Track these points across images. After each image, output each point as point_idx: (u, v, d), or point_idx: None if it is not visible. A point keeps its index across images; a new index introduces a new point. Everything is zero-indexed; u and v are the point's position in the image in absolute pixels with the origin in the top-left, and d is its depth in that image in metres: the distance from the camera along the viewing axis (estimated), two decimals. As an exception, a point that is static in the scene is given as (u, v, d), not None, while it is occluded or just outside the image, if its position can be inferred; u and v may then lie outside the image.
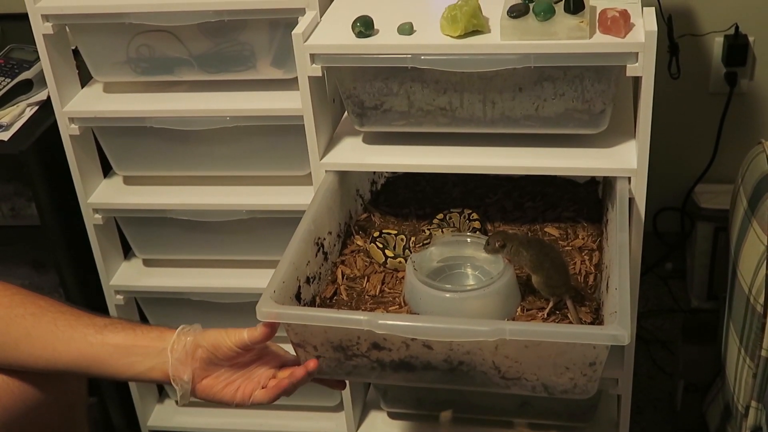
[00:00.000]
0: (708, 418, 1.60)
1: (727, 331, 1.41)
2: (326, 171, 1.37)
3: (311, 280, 1.27)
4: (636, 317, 1.32)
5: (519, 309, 1.23)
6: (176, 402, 1.13)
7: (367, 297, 1.30)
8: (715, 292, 1.99)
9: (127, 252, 1.76)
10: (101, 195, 1.63)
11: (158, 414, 1.86)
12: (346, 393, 1.57)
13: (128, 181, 1.66)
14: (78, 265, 1.67)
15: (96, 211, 1.62)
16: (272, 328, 1.09)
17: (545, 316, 1.22)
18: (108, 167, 1.65)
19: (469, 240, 1.32)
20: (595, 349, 1.05)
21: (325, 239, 1.33)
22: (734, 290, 1.37)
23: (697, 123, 1.97)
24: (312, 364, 1.13)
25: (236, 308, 1.65)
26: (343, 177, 1.40)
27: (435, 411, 1.61)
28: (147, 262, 1.74)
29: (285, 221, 1.52)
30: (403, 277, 1.31)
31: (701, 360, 1.66)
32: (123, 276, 1.71)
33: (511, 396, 1.51)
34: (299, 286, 1.22)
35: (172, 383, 1.08)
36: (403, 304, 1.27)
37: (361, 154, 1.38)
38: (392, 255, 1.35)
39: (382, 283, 1.32)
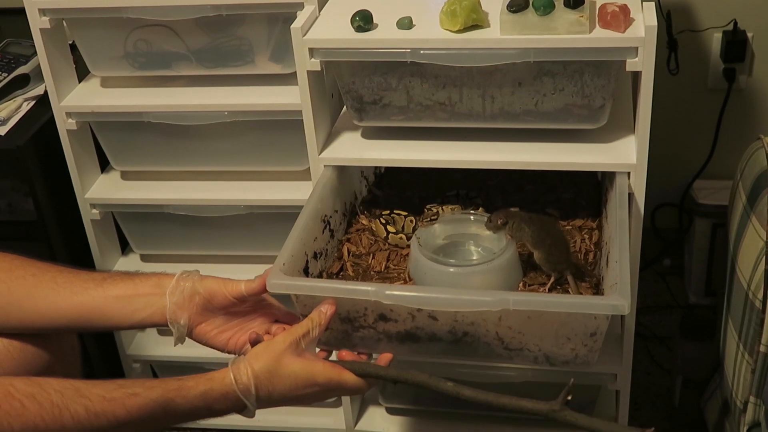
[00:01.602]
0: (706, 413, 1.60)
1: (726, 326, 1.41)
2: (325, 166, 1.37)
3: (318, 255, 1.30)
4: (636, 295, 1.34)
5: (521, 285, 1.27)
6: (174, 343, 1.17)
7: (372, 273, 1.33)
8: (713, 288, 1.99)
9: (125, 247, 1.75)
10: (98, 190, 1.63)
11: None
12: (345, 388, 1.56)
13: (126, 176, 1.65)
14: (75, 260, 1.66)
15: (93, 206, 1.61)
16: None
17: (546, 291, 1.24)
18: (105, 162, 1.64)
19: (472, 218, 1.34)
20: (596, 319, 1.08)
21: (331, 217, 1.36)
22: (733, 286, 1.37)
23: (695, 119, 1.97)
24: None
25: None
26: (344, 167, 1.40)
27: (433, 406, 1.61)
28: (144, 258, 1.73)
29: (283, 216, 1.51)
30: (407, 255, 1.34)
31: (699, 356, 1.66)
32: (120, 271, 1.71)
33: (508, 391, 1.51)
34: (307, 261, 1.25)
35: (169, 326, 1.12)
36: (407, 279, 1.30)
37: (359, 149, 1.38)
38: (394, 231, 1.38)
39: (387, 260, 1.35)
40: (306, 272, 1.25)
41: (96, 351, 1.73)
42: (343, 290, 1.13)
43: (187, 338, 1.16)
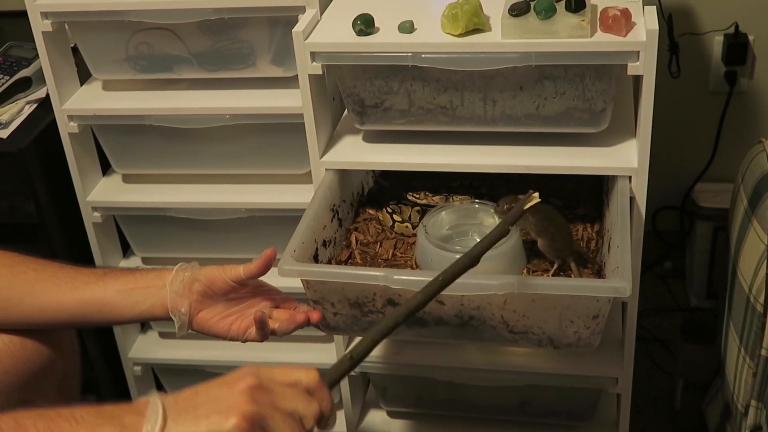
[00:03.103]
0: (707, 417, 1.60)
1: (727, 330, 1.41)
2: (326, 169, 1.37)
3: (327, 243, 1.32)
4: (638, 277, 1.35)
5: (525, 271, 1.29)
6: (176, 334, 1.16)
7: (380, 261, 1.35)
8: (714, 291, 1.99)
9: (126, 250, 1.76)
10: (100, 193, 1.63)
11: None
12: (346, 392, 1.56)
13: (127, 179, 1.65)
14: (77, 263, 1.65)
15: (95, 209, 1.61)
16: (267, 263, 1.13)
17: (550, 277, 1.26)
18: (107, 165, 1.65)
19: (477, 207, 1.37)
20: (598, 302, 1.10)
21: (339, 206, 1.38)
22: (734, 289, 1.37)
23: (696, 122, 1.97)
24: (315, 315, 1.17)
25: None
26: (345, 171, 1.41)
27: (434, 410, 1.61)
28: (146, 261, 1.73)
29: (284, 220, 1.51)
30: (413, 243, 1.36)
31: (700, 359, 1.66)
32: (122, 274, 1.71)
33: (510, 395, 1.52)
34: (317, 248, 1.27)
35: (171, 315, 1.12)
36: (414, 266, 1.32)
37: (361, 153, 1.38)
38: (399, 220, 1.40)
39: (394, 248, 1.37)
40: (315, 259, 1.27)
41: (97, 354, 1.74)
42: (353, 275, 1.16)
43: (189, 331, 1.15)
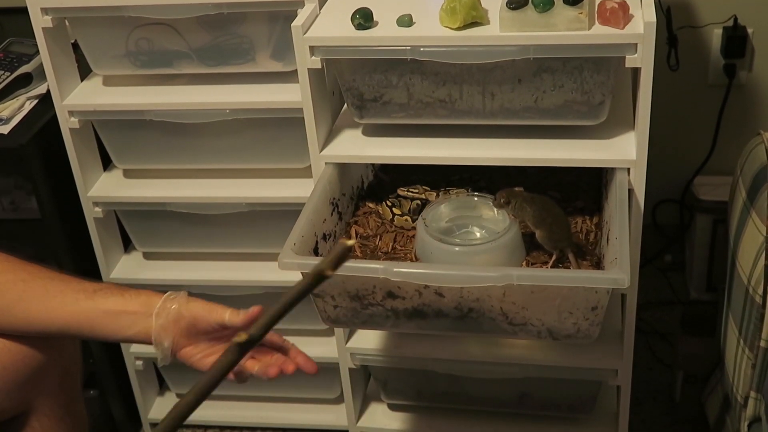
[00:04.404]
0: (707, 409, 1.60)
1: (726, 322, 1.42)
2: (326, 163, 1.37)
3: (327, 237, 1.33)
4: (637, 270, 1.36)
5: (524, 263, 1.30)
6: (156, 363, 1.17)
7: (380, 254, 1.36)
8: (714, 284, 1.99)
9: (127, 245, 1.76)
10: (101, 188, 1.63)
11: (159, 407, 1.86)
12: (347, 385, 1.57)
13: (128, 174, 1.66)
14: (78, 258, 1.67)
15: (96, 204, 1.62)
16: (251, 319, 1.08)
17: (549, 268, 1.27)
18: (108, 160, 1.65)
19: (476, 199, 1.38)
20: (597, 293, 1.11)
21: (339, 200, 1.39)
22: (733, 281, 1.38)
23: (695, 115, 1.97)
24: (311, 367, 1.13)
25: (236, 301, 1.64)
26: (344, 165, 1.41)
27: (435, 402, 1.62)
28: (147, 255, 1.74)
29: (285, 214, 1.52)
30: (413, 236, 1.37)
31: (700, 351, 1.67)
32: (123, 269, 1.72)
33: (510, 387, 1.52)
34: (317, 242, 1.28)
35: (154, 346, 1.11)
36: (414, 259, 1.33)
37: (360, 146, 1.38)
38: (399, 213, 1.41)
39: (394, 241, 1.38)
40: (316, 253, 1.27)
41: (99, 349, 1.74)
42: (353, 268, 1.16)
43: (171, 362, 1.14)
